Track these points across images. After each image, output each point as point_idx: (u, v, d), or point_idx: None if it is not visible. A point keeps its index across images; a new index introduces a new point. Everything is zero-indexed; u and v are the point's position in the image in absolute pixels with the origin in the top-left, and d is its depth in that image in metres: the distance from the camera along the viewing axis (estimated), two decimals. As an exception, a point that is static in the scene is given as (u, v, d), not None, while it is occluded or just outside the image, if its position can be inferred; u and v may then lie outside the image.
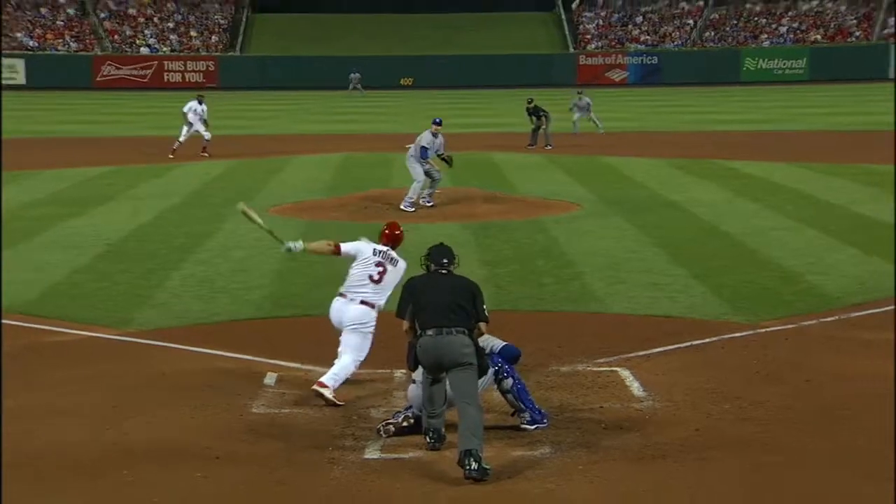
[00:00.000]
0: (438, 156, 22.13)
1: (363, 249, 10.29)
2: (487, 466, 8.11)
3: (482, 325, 8.93)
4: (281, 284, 15.11)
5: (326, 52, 79.80)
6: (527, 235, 18.92)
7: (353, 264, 10.30)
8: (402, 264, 10.25)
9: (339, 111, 56.12)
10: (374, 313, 10.14)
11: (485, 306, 8.95)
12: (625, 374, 10.75)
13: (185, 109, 32.29)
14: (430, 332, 8.63)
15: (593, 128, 39.10)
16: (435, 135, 21.93)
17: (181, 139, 31.98)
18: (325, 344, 10.58)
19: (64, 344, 12.17)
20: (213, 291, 14.63)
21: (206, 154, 32.13)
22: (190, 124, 32.10)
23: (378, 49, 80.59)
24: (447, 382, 8.73)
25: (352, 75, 73.21)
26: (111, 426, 9.34)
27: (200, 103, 32.55)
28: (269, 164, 30.49)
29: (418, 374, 8.99)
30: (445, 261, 9.03)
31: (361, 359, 10.18)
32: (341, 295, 10.23)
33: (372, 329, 10.16)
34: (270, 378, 10.67)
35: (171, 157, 31.35)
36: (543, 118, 34.89)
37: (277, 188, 25.45)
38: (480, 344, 8.87)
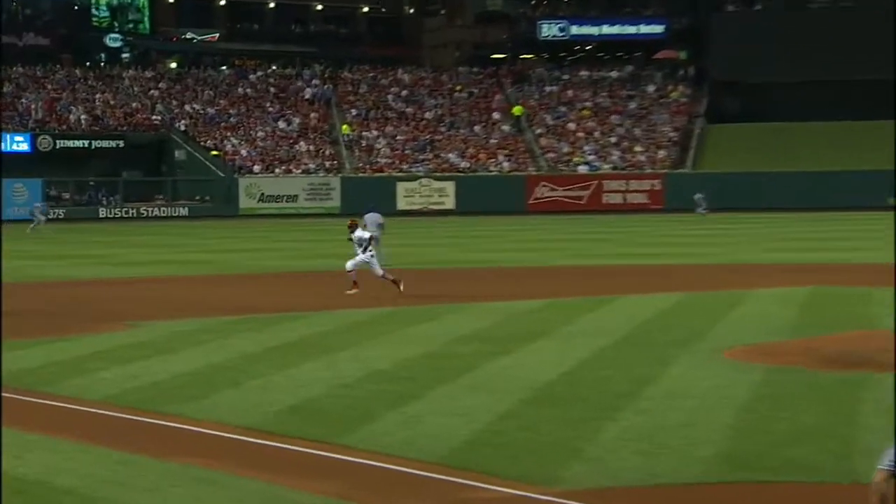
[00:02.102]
0: None
1: None
2: None
3: None
4: (737, 442, 14.74)
5: (793, 167, 78.84)
6: None
7: None
8: None
9: (809, 237, 55.00)
10: None
11: None
12: None
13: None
14: None
15: None
16: None
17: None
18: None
19: (488, 501, 12.47)
20: (655, 447, 14.50)
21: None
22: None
23: (857, 162, 78.47)
24: None
25: (696, 196, 73.95)
26: None
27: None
28: (723, 298, 30.28)
29: None
30: None
31: None
32: None
33: None
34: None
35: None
36: None
37: (732, 327, 25.12)
38: None
